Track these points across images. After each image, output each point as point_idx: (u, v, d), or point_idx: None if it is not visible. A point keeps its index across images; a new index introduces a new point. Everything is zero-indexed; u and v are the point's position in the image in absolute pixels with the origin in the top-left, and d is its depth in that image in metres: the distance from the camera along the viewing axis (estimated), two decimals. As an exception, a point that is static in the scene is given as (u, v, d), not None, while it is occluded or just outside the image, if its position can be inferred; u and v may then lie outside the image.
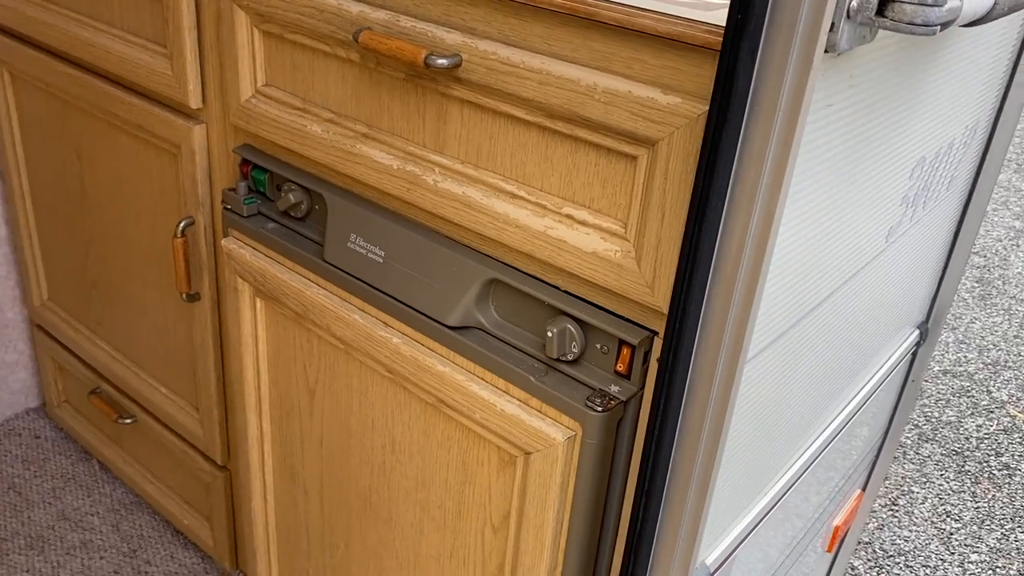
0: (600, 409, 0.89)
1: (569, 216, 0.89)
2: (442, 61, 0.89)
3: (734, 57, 0.64)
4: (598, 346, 0.91)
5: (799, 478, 1.11)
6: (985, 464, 2.28)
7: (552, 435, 0.92)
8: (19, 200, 1.76)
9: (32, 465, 1.90)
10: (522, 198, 0.92)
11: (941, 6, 0.64)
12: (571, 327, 0.91)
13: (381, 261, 1.05)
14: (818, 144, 0.74)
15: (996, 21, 0.90)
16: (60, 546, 1.71)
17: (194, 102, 1.24)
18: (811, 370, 1.01)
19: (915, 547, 1.99)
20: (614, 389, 0.91)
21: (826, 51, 0.65)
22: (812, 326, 0.95)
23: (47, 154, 1.63)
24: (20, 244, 1.82)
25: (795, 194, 0.73)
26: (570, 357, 0.92)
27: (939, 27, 0.64)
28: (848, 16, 0.64)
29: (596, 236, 0.87)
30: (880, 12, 0.65)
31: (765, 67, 0.64)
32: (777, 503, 1.07)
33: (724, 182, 0.69)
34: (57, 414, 1.99)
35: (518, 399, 0.96)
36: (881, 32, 0.72)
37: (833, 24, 0.64)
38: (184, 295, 1.38)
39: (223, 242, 1.24)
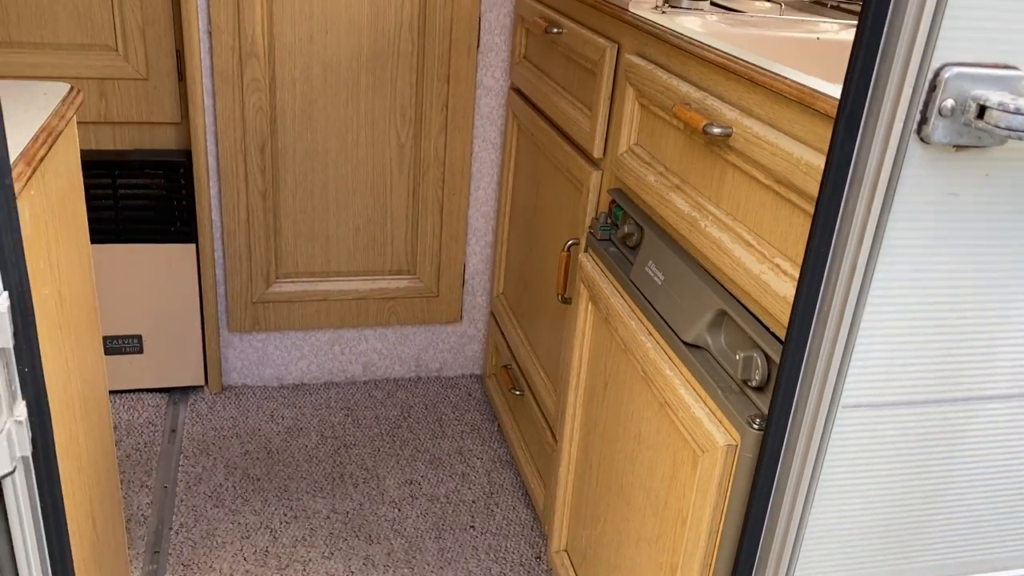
0: (756, 428, 1.05)
1: (777, 266, 1.07)
2: (716, 130, 1.15)
3: (838, 138, 0.82)
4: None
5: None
6: None
7: (718, 440, 1.10)
8: (502, 216, 2.38)
9: (457, 411, 2.51)
10: (752, 246, 1.13)
11: (1030, 114, 0.73)
12: (758, 357, 1.09)
13: (659, 283, 1.33)
14: (941, 228, 0.84)
15: None
16: (447, 470, 2.26)
17: (597, 152, 1.66)
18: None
19: None
20: (778, 418, 1.05)
21: (924, 141, 0.78)
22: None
23: (522, 182, 2.20)
24: (497, 248, 2.44)
25: (900, 263, 0.84)
26: (754, 383, 1.10)
27: (1032, 133, 0.73)
28: (941, 114, 0.77)
29: (791, 285, 1.04)
30: (980, 116, 0.76)
31: (863, 148, 0.80)
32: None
33: (827, 238, 0.85)
34: (486, 383, 2.59)
35: (708, 408, 1.15)
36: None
37: (926, 118, 0.78)
38: (560, 297, 1.79)
39: (580, 257, 1.62)
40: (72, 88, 1.20)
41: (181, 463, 2.20)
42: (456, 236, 2.45)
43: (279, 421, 2.39)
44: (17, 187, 0.87)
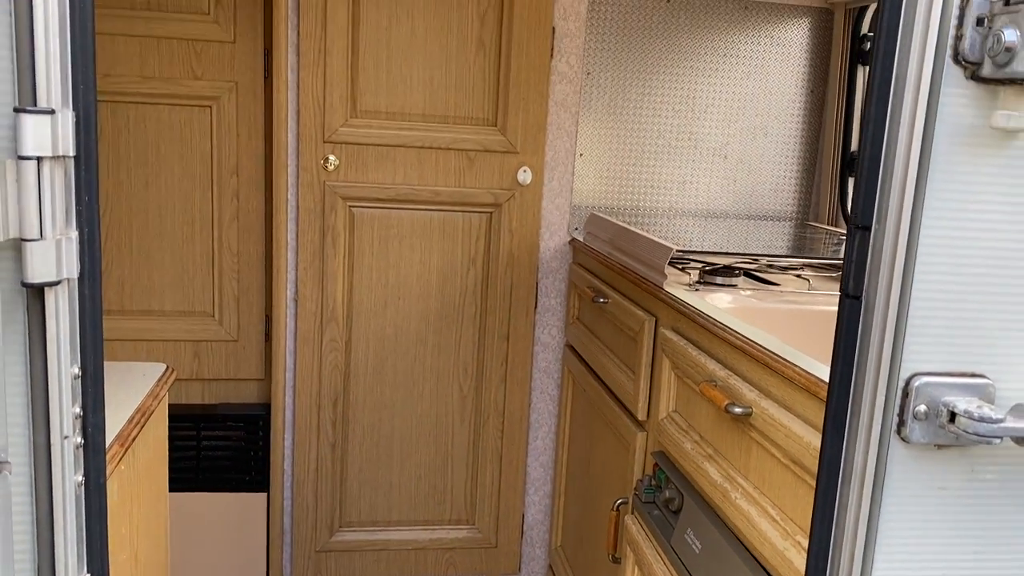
0: None
1: (798, 543, 1.12)
2: (738, 410, 1.24)
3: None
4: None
5: None
6: None
7: None
8: (559, 466, 2.45)
9: None
10: (777, 522, 1.18)
11: (995, 423, 0.81)
12: (787, 636, 1.10)
13: (698, 551, 1.36)
14: (932, 520, 0.89)
15: None
16: None
17: (641, 415, 1.75)
18: None
19: None
20: None
21: (905, 440, 0.86)
22: None
23: (578, 434, 2.29)
24: (555, 499, 2.49)
25: (896, 552, 0.89)
26: (785, 663, 1.10)
27: (999, 439, 0.81)
28: (916, 417, 0.85)
29: (813, 564, 1.08)
30: (952, 420, 0.84)
31: (849, 448, 0.88)
32: None
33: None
34: None
35: None
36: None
37: (904, 421, 0.86)
38: (610, 556, 1.82)
39: (627, 518, 1.67)
40: (167, 369, 1.38)
41: None
42: (515, 486, 2.52)
43: (334, 676, 2.37)
44: (109, 468, 1.01)
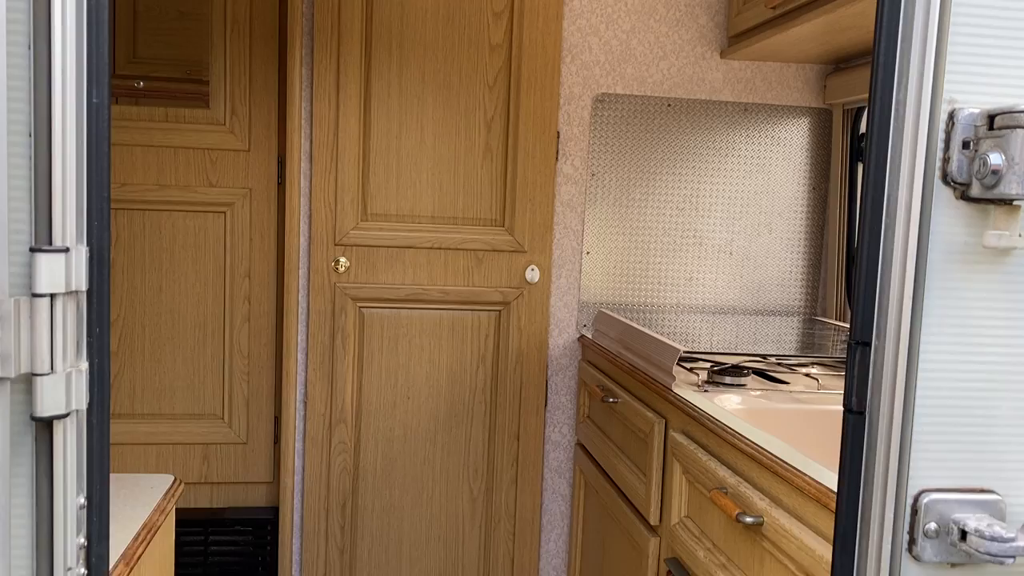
0: None
1: (817, 661, 1.08)
2: (748, 519, 1.22)
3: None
4: None
5: None
6: None
7: None
8: (573, 572, 2.39)
9: None
10: (793, 638, 1.14)
11: (1007, 542, 0.80)
12: None
13: (713, 667, 1.32)
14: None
15: None
16: None
17: (653, 519, 1.72)
18: None
19: None
20: None
21: (916, 559, 0.85)
22: None
23: (590, 538, 2.25)
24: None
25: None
26: None
27: (1012, 558, 0.79)
28: (927, 536, 0.84)
29: None
30: (963, 538, 0.83)
31: (860, 568, 0.86)
32: None
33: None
34: None
35: None
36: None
37: (914, 539, 0.85)
38: (626, 666, 1.76)
39: (641, 627, 1.63)
40: (174, 482, 1.38)
41: None
42: (527, 590, 2.46)
43: None
44: (113, 591, 1.00)
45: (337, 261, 2.31)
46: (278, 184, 2.35)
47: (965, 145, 0.80)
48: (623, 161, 2.44)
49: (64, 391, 0.71)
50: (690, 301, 2.51)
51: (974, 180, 0.79)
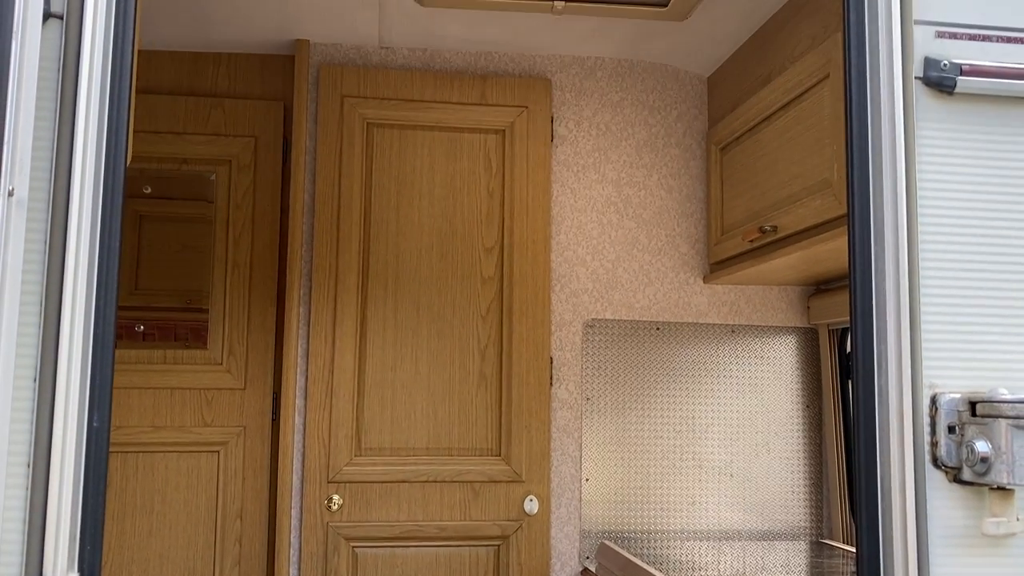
0: None
1: None
2: None
3: None
4: None
5: None
6: None
7: None
8: None
9: None
10: None
11: None
12: None
13: None
14: None
15: None
16: None
17: None
18: None
19: None
20: None
21: None
22: None
23: None
24: None
25: None
26: None
27: None
28: None
29: None
30: None
31: None
32: None
33: None
34: None
35: None
36: None
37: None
38: None
39: None
40: None
41: None
42: None
43: None
44: None
45: (330, 499, 2.26)
46: (272, 421, 2.35)
47: (951, 430, 0.81)
48: (617, 384, 2.46)
49: None
50: (694, 526, 2.44)
51: (964, 466, 0.80)
